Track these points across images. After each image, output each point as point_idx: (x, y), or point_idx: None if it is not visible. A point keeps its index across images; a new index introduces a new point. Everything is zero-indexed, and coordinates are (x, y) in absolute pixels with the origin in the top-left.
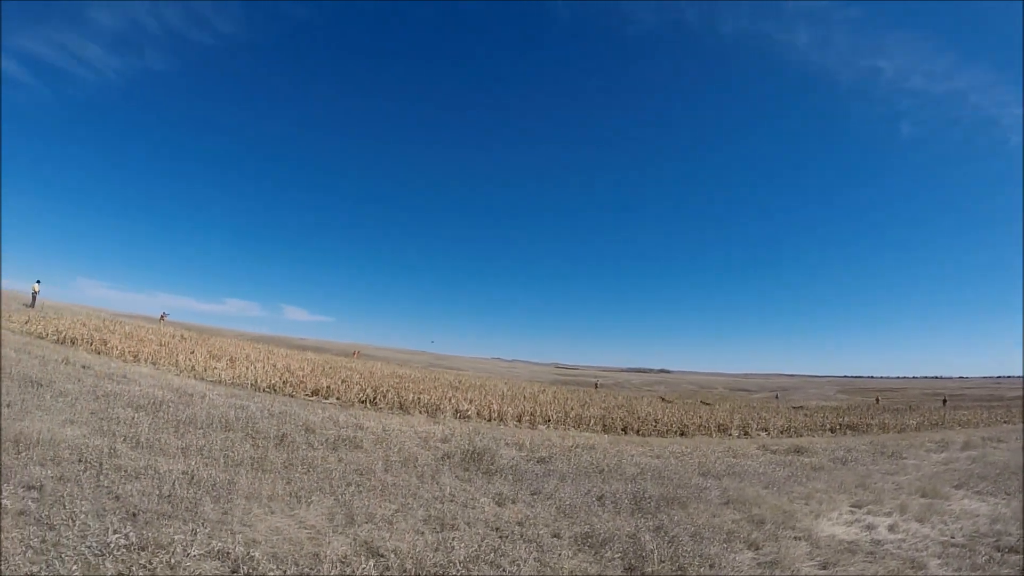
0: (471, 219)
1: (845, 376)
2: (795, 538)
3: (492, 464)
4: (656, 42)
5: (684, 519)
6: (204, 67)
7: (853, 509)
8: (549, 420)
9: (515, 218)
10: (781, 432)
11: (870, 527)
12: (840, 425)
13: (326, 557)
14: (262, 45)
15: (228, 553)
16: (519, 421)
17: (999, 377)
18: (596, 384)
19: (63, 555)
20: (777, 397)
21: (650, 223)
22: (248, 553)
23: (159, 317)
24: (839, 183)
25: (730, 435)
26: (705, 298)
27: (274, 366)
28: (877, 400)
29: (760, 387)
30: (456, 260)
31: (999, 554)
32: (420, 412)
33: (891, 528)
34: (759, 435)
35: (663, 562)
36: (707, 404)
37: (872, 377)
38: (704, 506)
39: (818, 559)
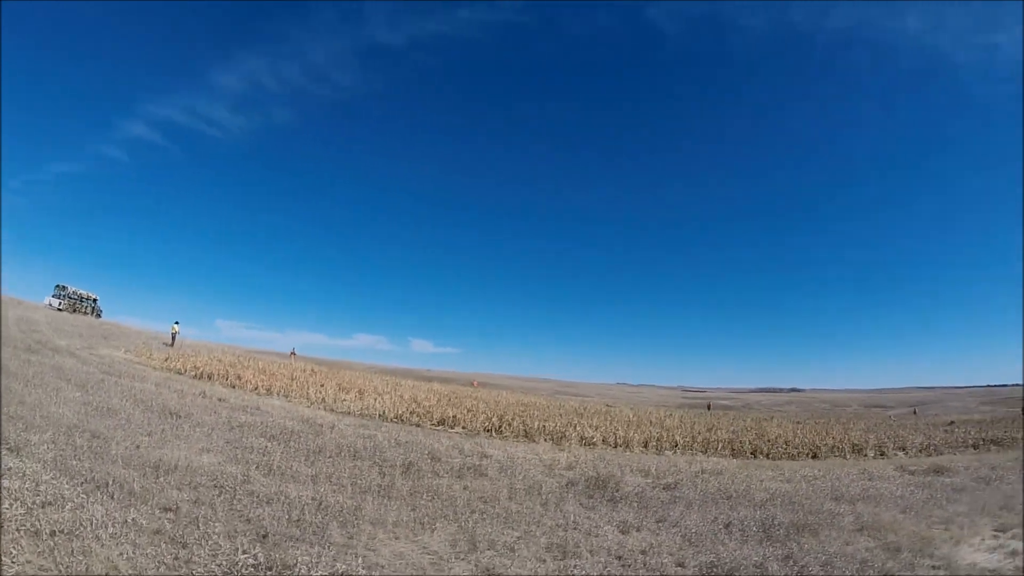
0: (591, 246)
1: (989, 385)
2: (933, 567)
3: (616, 491)
4: (764, 48)
5: (815, 547)
6: (325, 119)
7: (997, 534)
8: (676, 445)
9: (635, 241)
10: (920, 450)
11: (1015, 553)
12: (983, 440)
13: None
14: (381, 94)
15: None
16: (645, 447)
17: None
18: (708, 405)
19: (193, 572)
20: (915, 412)
21: (771, 234)
22: None
23: (289, 353)
24: (968, 171)
25: (865, 456)
26: (836, 310)
27: (401, 397)
28: None
29: (897, 402)
30: (580, 286)
31: None
32: (545, 440)
33: None
34: (896, 455)
35: None
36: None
37: (1018, 385)
38: (836, 533)
39: None
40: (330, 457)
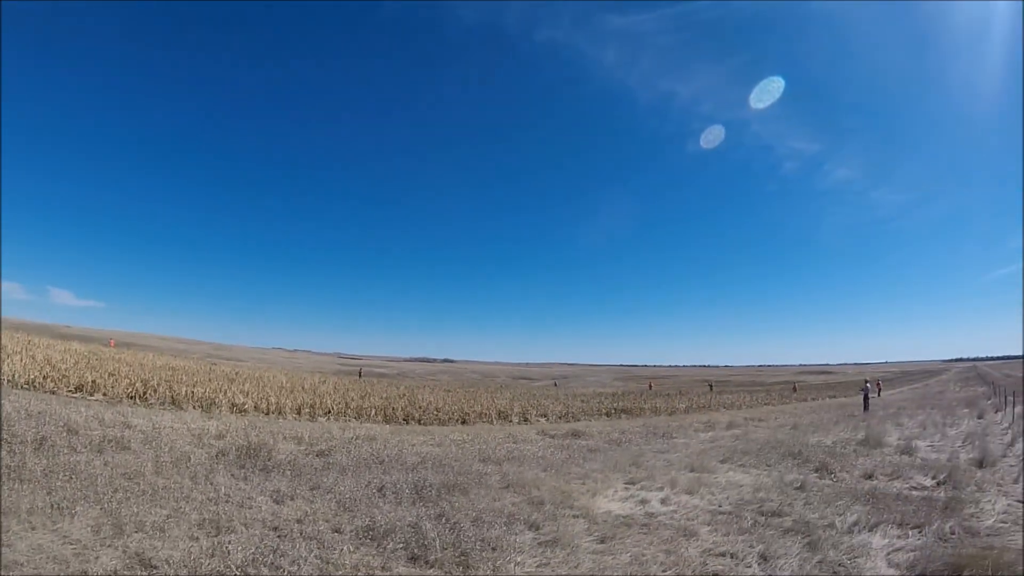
0: (256, 203)
1: (622, 365)
2: (573, 516)
3: (269, 460)
4: (472, 41)
5: (465, 505)
6: None
7: (627, 486)
8: (329, 412)
9: (299, 205)
10: (560, 417)
11: (644, 501)
12: (615, 409)
13: (93, 574)
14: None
15: None
16: (298, 414)
17: (760, 365)
18: (360, 372)
19: None
20: (556, 384)
21: (442, 216)
22: None
23: None
24: (626, 189)
25: (511, 422)
26: (488, 291)
27: (33, 358)
28: (650, 386)
29: (541, 375)
30: (237, 245)
31: (763, 518)
32: (194, 407)
33: (663, 501)
34: (539, 421)
35: (445, 548)
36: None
37: (647, 366)
38: (485, 491)
39: (596, 534)
40: None
